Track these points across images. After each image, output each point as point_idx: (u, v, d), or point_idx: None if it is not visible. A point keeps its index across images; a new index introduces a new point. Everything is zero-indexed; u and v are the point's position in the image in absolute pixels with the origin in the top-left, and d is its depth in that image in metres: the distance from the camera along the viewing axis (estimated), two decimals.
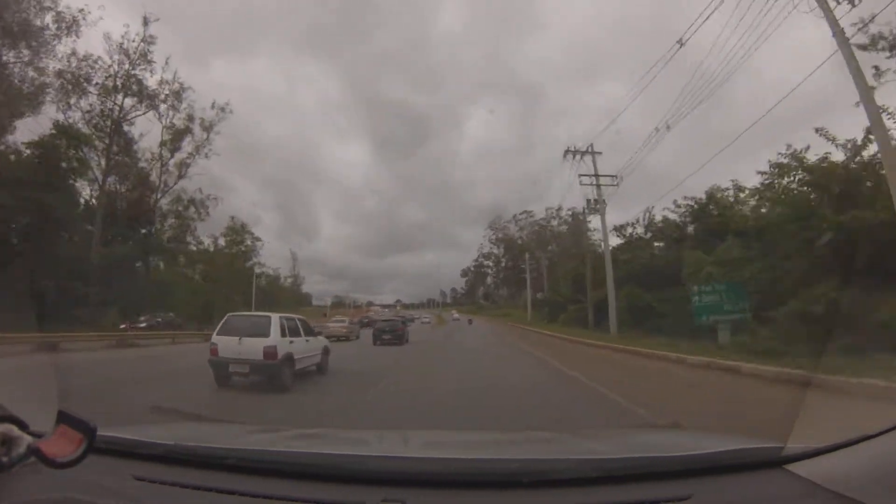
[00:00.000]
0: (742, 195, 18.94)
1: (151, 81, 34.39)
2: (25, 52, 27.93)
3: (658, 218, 25.92)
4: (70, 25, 29.40)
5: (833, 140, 13.12)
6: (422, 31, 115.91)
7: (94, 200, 32.71)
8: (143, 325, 27.88)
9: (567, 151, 24.88)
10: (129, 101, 33.85)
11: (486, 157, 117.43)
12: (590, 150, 24.48)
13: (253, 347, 8.47)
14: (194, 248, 45.69)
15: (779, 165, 14.55)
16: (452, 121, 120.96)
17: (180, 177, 38.33)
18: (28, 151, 27.37)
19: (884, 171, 10.12)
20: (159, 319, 29.65)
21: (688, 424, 3.86)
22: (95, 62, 31.76)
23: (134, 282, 32.76)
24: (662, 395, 7.91)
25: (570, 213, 53.76)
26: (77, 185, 30.91)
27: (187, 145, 37.50)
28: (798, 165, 13.90)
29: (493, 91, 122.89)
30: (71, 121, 30.93)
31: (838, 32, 10.23)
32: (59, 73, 30.16)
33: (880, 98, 11.28)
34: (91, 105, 32.40)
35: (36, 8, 28.04)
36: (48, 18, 28.56)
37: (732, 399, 7.21)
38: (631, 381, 9.63)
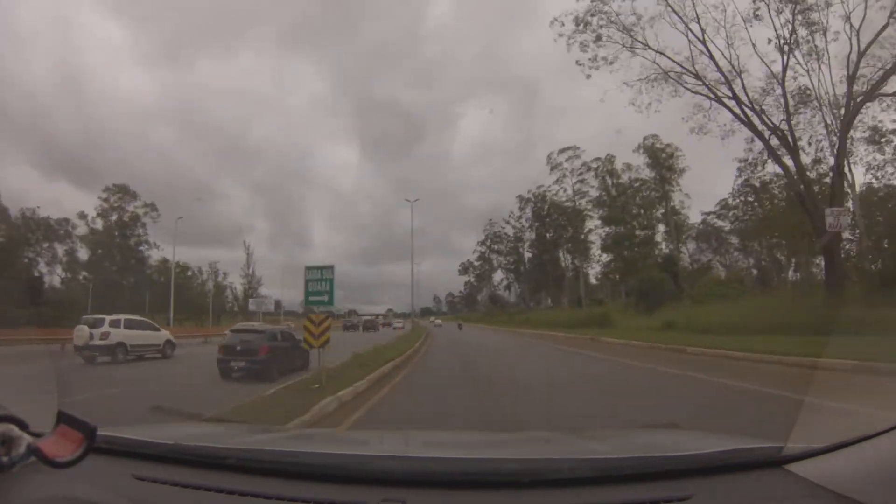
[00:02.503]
0: None
1: None
2: None
3: None
4: None
5: None
6: (413, 24, 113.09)
7: None
8: None
9: None
10: None
11: (480, 164, 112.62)
12: None
13: None
14: None
15: None
16: (444, 125, 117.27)
17: None
18: None
19: None
20: None
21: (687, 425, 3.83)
22: None
23: None
24: None
25: None
26: None
27: None
28: None
29: (487, 91, 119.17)
30: None
31: None
32: None
33: None
34: None
35: None
36: None
37: None
38: None
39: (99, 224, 43.37)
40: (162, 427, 2.11)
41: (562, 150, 58.19)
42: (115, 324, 16.08)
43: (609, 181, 56.49)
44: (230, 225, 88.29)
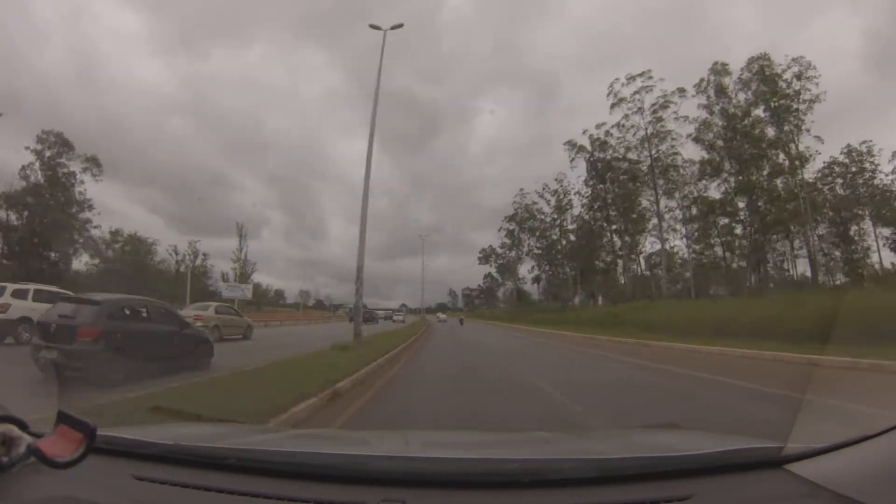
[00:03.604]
0: None
1: None
2: None
3: None
4: None
5: None
6: (429, 16, 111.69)
7: None
8: None
9: None
10: None
11: (497, 160, 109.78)
12: None
13: None
14: None
15: None
16: (461, 120, 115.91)
17: None
18: None
19: None
20: None
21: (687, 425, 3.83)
22: None
23: None
24: None
25: None
26: None
27: None
28: None
29: (504, 86, 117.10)
30: None
31: None
32: None
33: None
34: None
35: None
36: None
37: None
38: None
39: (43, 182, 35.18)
40: (162, 427, 2.11)
41: (630, 78, 39.55)
42: (19, 294, 12.52)
43: (714, 103, 36.29)
44: (243, 216, 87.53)
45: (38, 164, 34.20)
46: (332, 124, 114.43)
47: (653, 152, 39.91)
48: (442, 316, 66.87)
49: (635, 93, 40.07)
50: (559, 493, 1.19)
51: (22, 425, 0.95)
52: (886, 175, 38.02)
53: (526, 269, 62.41)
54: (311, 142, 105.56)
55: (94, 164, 35.37)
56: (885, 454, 1.11)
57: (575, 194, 50.30)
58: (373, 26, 19.86)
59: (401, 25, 20.60)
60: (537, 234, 57.96)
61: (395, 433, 2.89)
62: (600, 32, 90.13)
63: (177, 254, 54.32)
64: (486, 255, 69.59)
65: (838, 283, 35.91)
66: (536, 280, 61.44)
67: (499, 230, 62.78)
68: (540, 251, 58.22)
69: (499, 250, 67.27)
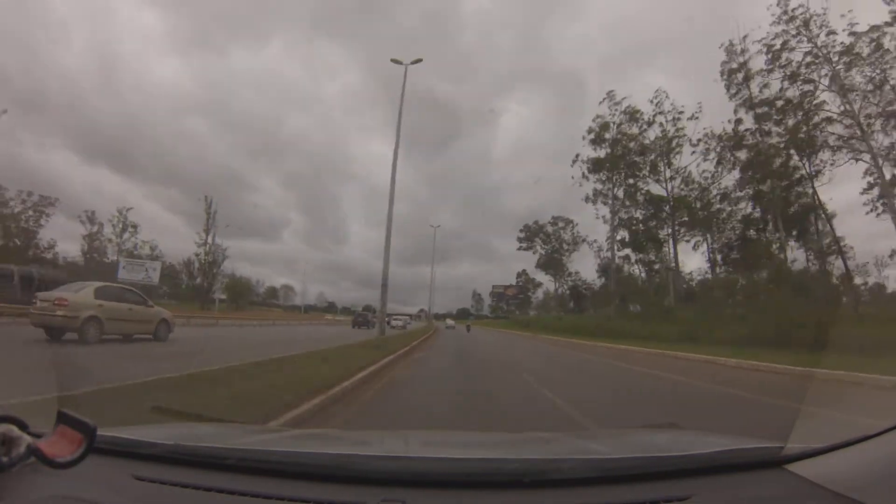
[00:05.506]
0: None
1: None
2: None
3: None
4: None
5: None
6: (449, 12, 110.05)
7: None
8: None
9: None
10: None
11: (520, 162, 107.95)
12: None
13: None
14: None
15: None
16: (484, 122, 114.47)
17: None
18: None
19: None
20: None
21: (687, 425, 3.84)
22: None
23: None
24: None
25: None
26: None
27: None
28: None
29: (529, 86, 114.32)
30: None
31: None
32: None
33: None
34: None
35: None
36: None
37: None
38: None
39: None
40: (162, 427, 2.11)
41: None
42: None
43: None
44: (263, 217, 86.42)
45: None
46: (351, 124, 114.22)
47: None
48: (450, 322, 69.17)
49: None
50: (559, 493, 1.19)
51: (22, 425, 0.95)
52: None
53: (586, 264, 39.71)
54: (331, 141, 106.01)
55: None
56: (885, 454, 1.11)
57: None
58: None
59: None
60: (642, 170, 33.48)
61: (396, 433, 2.89)
62: (632, 30, 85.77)
63: (91, 223, 39.32)
64: (530, 234, 46.05)
65: None
66: (605, 269, 37.63)
67: (573, 163, 36.76)
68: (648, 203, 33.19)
69: (549, 229, 43.84)
